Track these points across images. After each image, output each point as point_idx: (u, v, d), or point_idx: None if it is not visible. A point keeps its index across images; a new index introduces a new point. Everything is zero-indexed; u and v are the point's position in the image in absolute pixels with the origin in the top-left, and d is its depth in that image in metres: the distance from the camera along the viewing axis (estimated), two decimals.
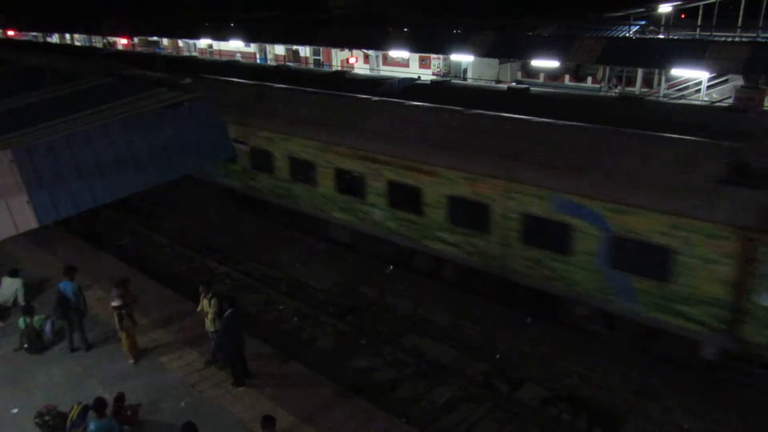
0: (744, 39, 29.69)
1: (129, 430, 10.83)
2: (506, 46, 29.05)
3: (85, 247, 19.20)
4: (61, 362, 13.30)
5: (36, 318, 13.78)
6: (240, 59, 40.42)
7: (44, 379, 12.74)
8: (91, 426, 10.03)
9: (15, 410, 11.78)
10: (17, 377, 12.83)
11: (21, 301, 15.16)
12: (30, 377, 12.82)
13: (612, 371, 13.22)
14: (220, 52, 49.02)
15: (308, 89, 20.08)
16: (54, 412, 11.23)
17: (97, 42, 58.40)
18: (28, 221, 10.85)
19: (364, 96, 18.33)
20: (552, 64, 27.97)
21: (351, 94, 18.66)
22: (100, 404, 10.18)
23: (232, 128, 18.80)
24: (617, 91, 30.46)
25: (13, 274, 15.57)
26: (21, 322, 13.63)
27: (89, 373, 12.88)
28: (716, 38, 30.90)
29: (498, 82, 33.24)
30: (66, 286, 13.28)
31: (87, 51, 42.34)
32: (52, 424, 11.04)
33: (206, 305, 12.88)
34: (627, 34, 31.09)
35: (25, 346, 13.58)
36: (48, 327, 13.85)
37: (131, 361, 13.11)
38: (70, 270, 13.55)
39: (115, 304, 12.83)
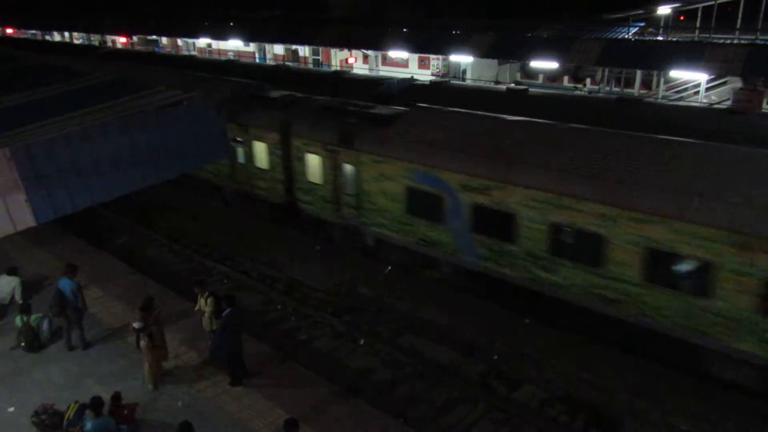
0: (743, 41, 29.71)
1: (126, 429, 10.80)
2: (505, 47, 29.11)
3: (83, 245, 19.18)
4: (58, 361, 13.27)
5: (33, 316, 13.75)
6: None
7: (41, 378, 12.70)
8: (88, 425, 10.00)
9: (11, 409, 11.75)
10: (14, 376, 12.78)
11: (18, 299, 15.11)
12: (27, 376, 12.77)
13: (610, 373, 13.22)
14: (219, 51, 48.98)
15: (713, 144, 13.54)
16: (51, 410, 11.22)
17: (95, 41, 58.30)
18: (26, 219, 10.80)
19: None
20: (551, 65, 27.99)
21: None
22: (97, 403, 10.16)
23: (507, 190, 13.99)
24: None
25: (12, 272, 15.54)
26: (18, 320, 13.60)
27: (86, 371, 12.85)
28: (715, 40, 30.96)
29: (497, 83, 33.25)
30: (65, 284, 13.27)
31: (86, 49, 42.14)
32: (49, 423, 11.03)
33: (203, 304, 12.87)
34: (626, 36, 31.23)
35: (22, 344, 13.54)
36: (45, 325, 13.82)
37: (150, 386, 12.27)
38: (71, 268, 13.54)
39: (135, 325, 12.31)
